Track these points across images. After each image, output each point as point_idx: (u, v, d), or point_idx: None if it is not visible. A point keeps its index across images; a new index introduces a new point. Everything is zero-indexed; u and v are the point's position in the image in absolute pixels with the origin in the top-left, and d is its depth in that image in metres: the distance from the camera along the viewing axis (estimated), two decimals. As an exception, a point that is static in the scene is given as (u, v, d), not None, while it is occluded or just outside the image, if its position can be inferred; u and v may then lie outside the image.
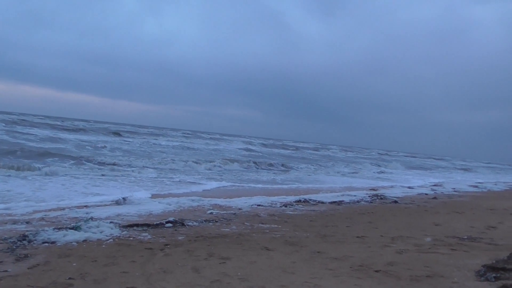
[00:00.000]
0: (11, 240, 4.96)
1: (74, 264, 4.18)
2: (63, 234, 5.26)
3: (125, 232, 5.78)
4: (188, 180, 13.75)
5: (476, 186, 19.82)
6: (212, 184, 13.14)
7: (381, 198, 11.68)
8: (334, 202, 10.35)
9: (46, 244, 4.94)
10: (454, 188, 17.53)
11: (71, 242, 5.05)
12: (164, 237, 5.63)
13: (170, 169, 17.12)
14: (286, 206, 9.12)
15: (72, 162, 15.94)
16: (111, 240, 5.31)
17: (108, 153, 21.79)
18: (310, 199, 10.31)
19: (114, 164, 16.57)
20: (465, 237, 6.26)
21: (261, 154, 35.23)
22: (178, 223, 6.52)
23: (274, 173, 20.10)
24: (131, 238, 5.46)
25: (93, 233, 5.49)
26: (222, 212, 7.95)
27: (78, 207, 7.61)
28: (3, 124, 31.75)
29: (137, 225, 6.26)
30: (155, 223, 6.43)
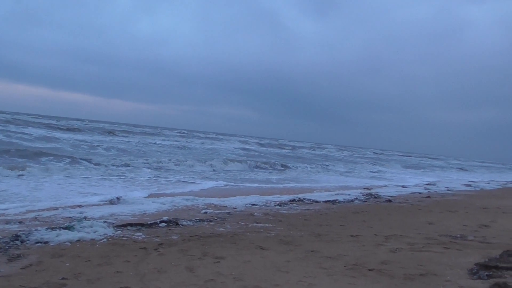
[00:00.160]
0: (4, 240, 4.91)
1: (68, 264, 4.15)
2: (56, 234, 5.22)
3: (119, 231, 5.75)
4: (184, 180, 13.71)
5: (469, 185, 19.97)
6: (209, 184, 13.12)
7: (375, 197, 11.73)
8: (329, 201, 10.38)
9: (39, 244, 4.91)
10: (447, 187, 17.65)
11: (65, 242, 5.02)
12: (158, 236, 5.61)
13: (167, 168, 17.07)
14: (280, 205, 9.14)
15: (68, 161, 15.84)
16: (105, 239, 5.28)
17: (103, 152, 21.68)
18: (305, 198, 10.33)
19: (110, 164, 16.46)
20: (458, 235, 6.31)
21: (259, 153, 35.23)
22: (172, 223, 6.50)
23: (272, 173, 20.07)
24: (125, 238, 5.43)
25: (86, 233, 5.46)
26: (217, 211, 7.94)
27: (71, 206, 7.56)
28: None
29: (131, 224, 6.23)
30: (149, 222, 6.41)
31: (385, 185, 17.18)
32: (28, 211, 6.91)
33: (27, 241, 4.94)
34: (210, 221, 7.00)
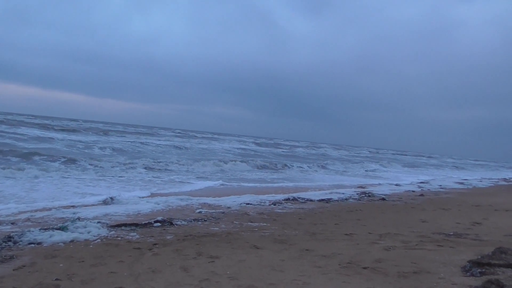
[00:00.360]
0: (-4, 242, 4.87)
1: (61, 265, 4.12)
2: (50, 235, 5.19)
3: (113, 232, 5.73)
4: (180, 180, 13.66)
5: (461, 183, 20.14)
6: (205, 184, 13.10)
7: (369, 196, 11.79)
8: (323, 200, 10.41)
9: (32, 245, 4.88)
10: (440, 185, 17.79)
11: (58, 243, 4.99)
12: (152, 236, 5.59)
13: (162, 168, 16.92)
14: (275, 205, 9.15)
15: (63, 162, 15.70)
16: (99, 240, 5.26)
17: (99, 152, 21.57)
18: (299, 197, 10.35)
19: (105, 164, 16.30)
20: (451, 233, 6.36)
21: (256, 153, 35.26)
22: (167, 223, 6.48)
23: (268, 172, 20.03)
24: (119, 238, 5.41)
25: (80, 233, 5.42)
26: (211, 211, 7.93)
27: (64, 207, 7.51)
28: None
29: (125, 224, 6.21)
30: (143, 222, 6.39)
31: (379, 184, 17.26)
32: (20, 212, 6.85)
33: (20, 242, 4.90)
34: (205, 220, 6.99)
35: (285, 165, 23.81)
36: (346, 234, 6.10)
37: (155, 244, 5.14)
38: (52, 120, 50.48)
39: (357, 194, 12.03)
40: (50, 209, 7.24)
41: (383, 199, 11.34)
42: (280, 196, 10.38)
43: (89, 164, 15.71)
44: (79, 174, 12.98)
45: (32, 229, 5.45)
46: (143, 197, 9.22)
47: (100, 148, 23.17)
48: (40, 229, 5.43)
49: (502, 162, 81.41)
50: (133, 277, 3.80)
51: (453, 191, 15.68)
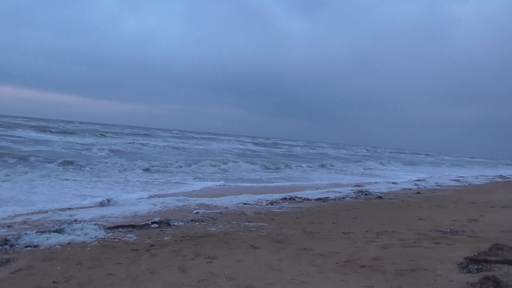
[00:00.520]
0: (-8, 245, 4.85)
1: (58, 267, 4.11)
2: (46, 238, 5.17)
3: (110, 233, 5.71)
4: (177, 181, 13.62)
5: (458, 180, 20.22)
6: (203, 184, 13.09)
7: (366, 194, 11.81)
8: (320, 199, 10.42)
9: (29, 248, 4.85)
10: (437, 183, 17.85)
11: (55, 245, 4.97)
12: (150, 237, 5.58)
13: (159, 170, 16.84)
14: (272, 204, 9.15)
15: (61, 164, 15.64)
16: (96, 242, 5.24)
17: (97, 154, 21.48)
18: (296, 197, 10.36)
19: (103, 165, 16.23)
20: (448, 230, 6.39)
21: (259, 153, 35.24)
22: (164, 224, 6.47)
23: (275, 172, 19.98)
24: (116, 240, 5.39)
25: (77, 235, 5.41)
26: (208, 211, 7.93)
27: (61, 209, 7.48)
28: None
29: (122, 226, 6.19)
30: (140, 224, 6.38)
31: (376, 182, 17.31)
32: (17, 215, 6.82)
33: (17, 245, 4.88)
34: (202, 221, 6.98)
35: (287, 165, 23.79)
36: (343, 233, 6.11)
37: (152, 245, 5.13)
38: (48, 122, 50.25)
39: (354, 192, 12.06)
40: (46, 211, 7.21)
41: (380, 197, 11.37)
42: (277, 196, 10.38)
43: (87, 166, 15.67)
44: (77, 176, 12.92)
45: (28, 232, 5.42)
46: (140, 199, 9.20)
47: (98, 150, 23.09)
48: (36, 232, 5.41)
49: (499, 159, 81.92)
50: (130, 279, 3.79)
51: (449, 188, 15.75)
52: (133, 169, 15.97)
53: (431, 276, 3.90)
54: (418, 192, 13.18)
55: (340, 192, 12.08)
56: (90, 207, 7.92)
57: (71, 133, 35.39)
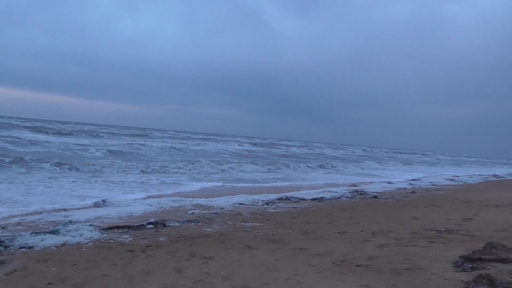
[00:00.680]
0: (-14, 247, 4.81)
1: (53, 268, 4.09)
2: (41, 239, 5.14)
3: (105, 234, 5.69)
4: (174, 182, 13.58)
5: (452, 180, 20.34)
6: (199, 185, 13.05)
7: (361, 194, 11.85)
8: (315, 198, 10.44)
9: (23, 249, 4.83)
10: (431, 182, 17.95)
11: (50, 247, 4.94)
12: (145, 238, 5.56)
13: (155, 170, 16.79)
14: (268, 204, 9.15)
15: (58, 164, 15.53)
16: (91, 243, 5.22)
17: (93, 154, 21.35)
18: (292, 197, 10.37)
19: (100, 166, 16.16)
20: (443, 229, 6.42)
21: (258, 154, 35.22)
22: (160, 224, 6.46)
23: (264, 172, 19.97)
24: (112, 241, 5.38)
25: (72, 236, 5.38)
26: (204, 211, 7.91)
27: (56, 210, 7.44)
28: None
29: (117, 227, 6.17)
30: (136, 224, 6.36)
31: (371, 182, 17.37)
32: (11, 216, 6.77)
33: (11, 247, 4.85)
34: (198, 221, 6.97)
35: (287, 165, 23.77)
36: (339, 233, 6.13)
37: (148, 246, 5.12)
38: (43, 122, 49.98)
39: (350, 192, 12.09)
40: (41, 212, 7.17)
41: (375, 197, 11.41)
42: (273, 196, 10.39)
43: (84, 166, 15.59)
44: (74, 176, 12.86)
45: (23, 233, 5.39)
46: (135, 199, 9.17)
47: (95, 150, 22.98)
48: (31, 233, 5.38)
49: (494, 158, 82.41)
50: (126, 280, 3.78)
51: (444, 187, 15.83)
52: (130, 170, 15.91)
53: (426, 275, 3.92)
54: (413, 192, 13.24)
55: (335, 192, 12.11)
56: (85, 208, 7.89)
57: (67, 133, 35.26)
